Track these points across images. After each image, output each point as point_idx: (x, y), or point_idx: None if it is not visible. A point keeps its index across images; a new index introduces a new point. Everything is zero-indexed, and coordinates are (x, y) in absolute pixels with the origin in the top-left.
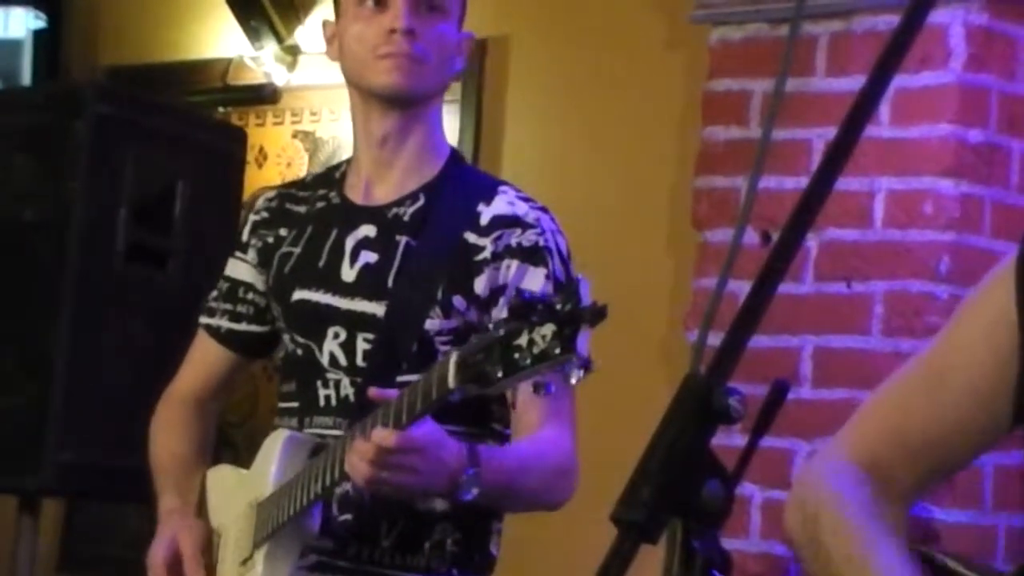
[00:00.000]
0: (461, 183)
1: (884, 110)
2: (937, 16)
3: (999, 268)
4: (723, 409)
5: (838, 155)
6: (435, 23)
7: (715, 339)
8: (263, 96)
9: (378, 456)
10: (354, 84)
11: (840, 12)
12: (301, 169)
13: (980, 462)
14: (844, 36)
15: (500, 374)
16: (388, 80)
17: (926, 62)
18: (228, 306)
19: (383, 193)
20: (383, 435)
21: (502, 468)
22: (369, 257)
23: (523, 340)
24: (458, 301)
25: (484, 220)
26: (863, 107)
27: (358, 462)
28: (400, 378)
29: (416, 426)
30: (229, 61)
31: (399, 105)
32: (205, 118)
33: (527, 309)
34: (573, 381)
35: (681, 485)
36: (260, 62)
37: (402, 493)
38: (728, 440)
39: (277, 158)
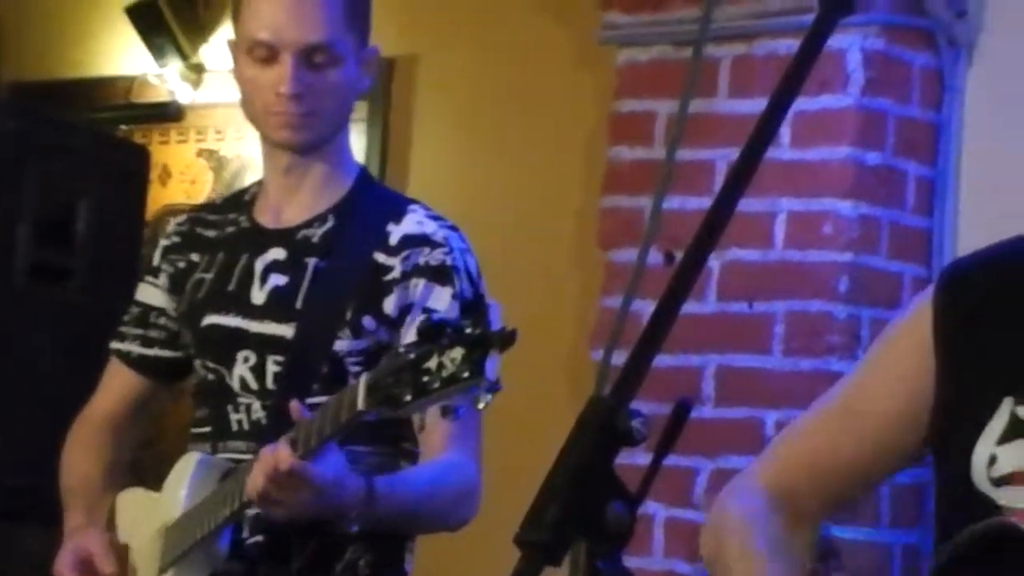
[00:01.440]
0: (370, 203)
1: (785, 132)
2: (835, 41)
3: (917, 299)
4: (626, 431)
5: (740, 178)
6: (326, 76)
7: (621, 359)
8: (167, 114)
9: (274, 475)
10: (251, 122)
11: (742, 35)
12: (205, 187)
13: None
14: (746, 59)
15: (409, 397)
16: (280, 136)
17: (825, 86)
18: (139, 331)
19: (292, 215)
20: (283, 456)
21: (401, 499)
22: (279, 280)
23: (433, 363)
24: (368, 321)
25: (393, 240)
26: (764, 131)
27: (257, 475)
28: (311, 400)
29: (321, 460)
30: (133, 79)
31: (297, 152)
32: (108, 135)
33: (437, 332)
34: (481, 405)
35: (584, 507)
36: (164, 80)
37: (290, 516)
38: (632, 459)
39: (181, 176)
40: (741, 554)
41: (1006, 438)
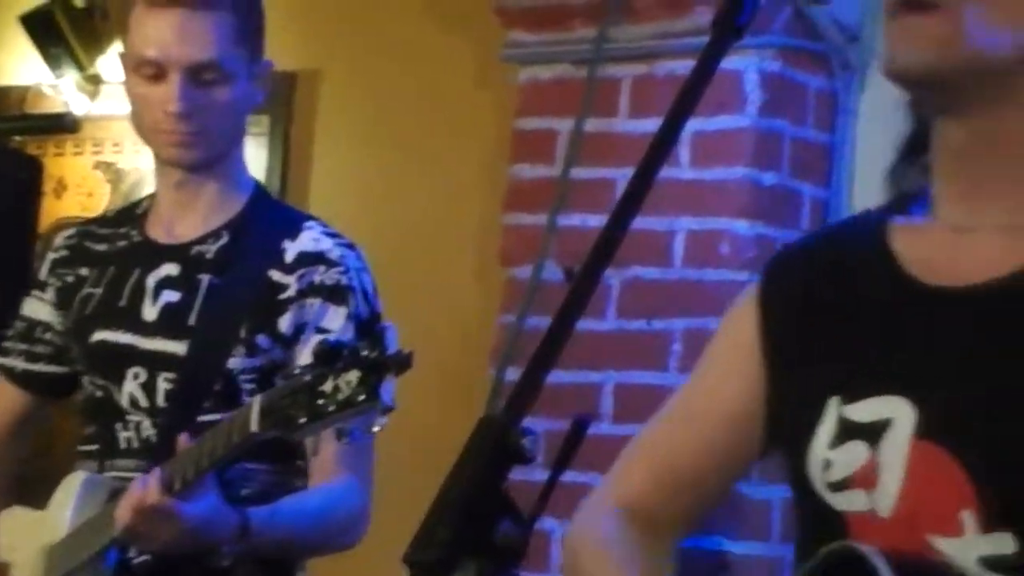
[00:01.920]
0: (266, 219)
1: (684, 152)
2: (733, 63)
3: (741, 299)
4: (517, 449)
5: (633, 196)
6: (215, 94)
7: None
8: (63, 125)
9: (141, 510)
10: (141, 138)
11: (643, 56)
12: (103, 200)
13: (768, 495)
14: (646, 79)
15: (304, 420)
16: (169, 154)
17: (723, 107)
18: (24, 346)
19: (185, 230)
20: (152, 492)
21: (282, 530)
22: (171, 296)
23: (328, 386)
24: (262, 339)
25: (289, 257)
26: (657, 150)
27: (124, 509)
28: (202, 418)
29: (195, 496)
30: (27, 89)
31: (187, 170)
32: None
33: (333, 355)
34: (376, 429)
35: (475, 526)
36: (60, 91)
37: (157, 550)
38: (530, 475)
39: (77, 189)
40: (598, 568)
41: (836, 441)
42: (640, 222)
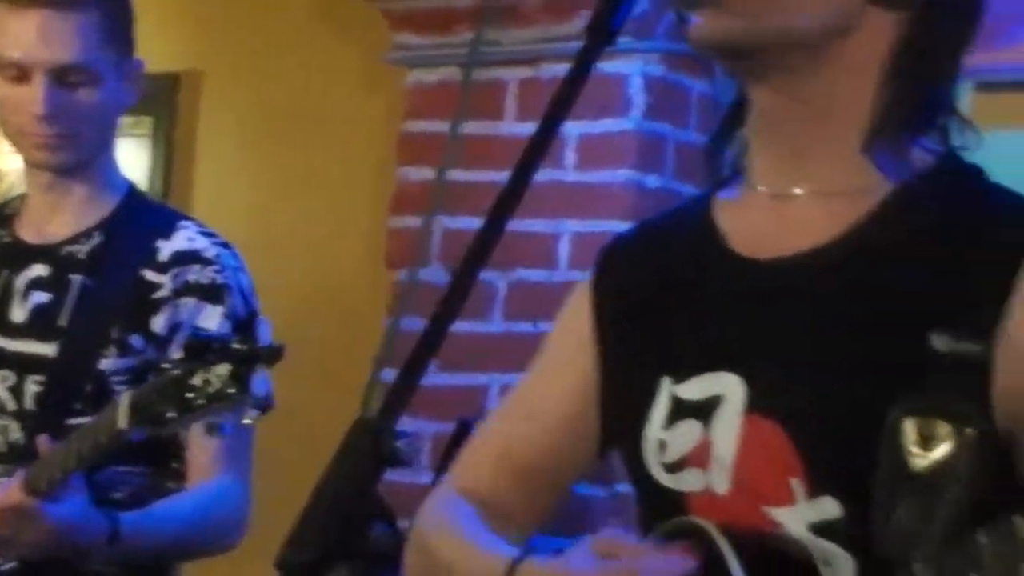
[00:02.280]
0: (140, 219)
1: (569, 156)
2: (618, 67)
3: (575, 293)
4: (391, 452)
5: (509, 199)
6: (82, 96)
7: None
8: None
9: (3, 514)
10: (8, 140)
11: (529, 59)
12: None
13: (595, 493)
14: (532, 82)
15: (173, 414)
16: (35, 157)
17: (607, 110)
18: None
19: (56, 231)
20: (14, 495)
21: (154, 535)
22: (41, 297)
23: (198, 380)
24: (136, 340)
25: (163, 256)
26: (533, 153)
27: None
28: (73, 420)
29: (61, 499)
30: None
31: (55, 172)
32: None
33: (203, 348)
34: (246, 422)
35: (347, 529)
36: None
37: (22, 554)
38: (416, 478)
39: None
40: (458, 544)
41: (670, 421)
42: (526, 225)
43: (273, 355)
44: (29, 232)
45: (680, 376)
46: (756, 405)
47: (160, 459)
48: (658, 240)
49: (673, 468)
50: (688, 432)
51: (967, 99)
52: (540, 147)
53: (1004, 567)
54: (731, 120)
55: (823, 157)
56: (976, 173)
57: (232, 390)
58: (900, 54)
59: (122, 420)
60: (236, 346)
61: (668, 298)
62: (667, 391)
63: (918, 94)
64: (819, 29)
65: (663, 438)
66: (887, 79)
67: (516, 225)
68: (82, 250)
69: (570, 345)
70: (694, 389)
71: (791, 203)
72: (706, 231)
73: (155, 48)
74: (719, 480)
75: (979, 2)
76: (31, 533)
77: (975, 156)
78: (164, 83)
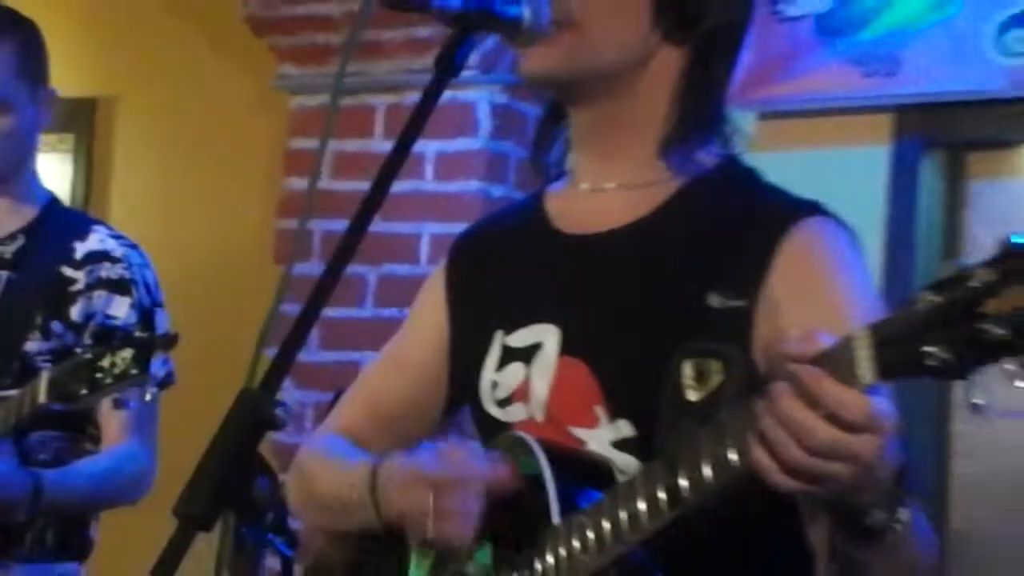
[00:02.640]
0: (58, 224)
1: (428, 169)
2: (468, 96)
3: (434, 272)
4: (270, 418)
5: (371, 203)
6: (5, 119)
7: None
8: None
9: None
10: None
11: (392, 87)
12: None
13: None
14: (397, 107)
15: (85, 391)
16: None
17: (460, 132)
18: None
19: None
20: None
21: (72, 490)
22: None
23: (106, 362)
24: (56, 326)
25: (78, 255)
26: (391, 166)
27: None
28: (2, 393)
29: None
30: None
31: None
32: None
33: (110, 335)
34: (148, 398)
35: (233, 483)
36: None
37: None
38: (300, 438)
39: None
40: (324, 467)
41: (501, 365)
42: (393, 227)
43: (168, 342)
44: None
45: (509, 328)
46: (567, 349)
47: (78, 426)
48: (498, 226)
49: (503, 403)
50: (514, 373)
51: (752, 126)
52: (395, 162)
53: (739, 431)
54: (543, 130)
55: (627, 159)
56: (749, 172)
57: (134, 371)
58: (684, 80)
59: (42, 395)
60: (137, 334)
61: (503, 268)
62: (499, 342)
63: (698, 111)
64: (622, 63)
65: (495, 379)
66: (674, 99)
67: (385, 227)
68: (7, 250)
69: (428, 311)
70: (520, 338)
71: (603, 194)
72: (537, 215)
73: (75, 75)
74: (537, 411)
75: (741, 41)
76: None
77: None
78: (84, 106)
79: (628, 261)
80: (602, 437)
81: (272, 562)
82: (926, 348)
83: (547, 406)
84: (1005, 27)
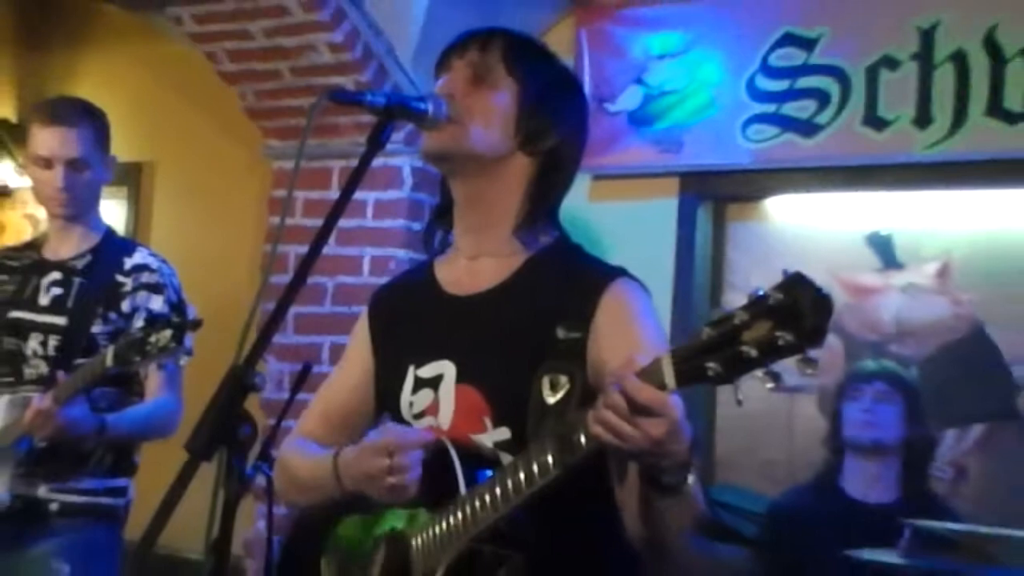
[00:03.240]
0: (113, 246)
1: (369, 211)
2: (397, 161)
3: (360, 318)
4: (251, 384)
5: (323, 234)
6: (81, 176)
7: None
8: (3, 192)
9: (36, 413)
10: (38, 202)
11: (344, 155)
12: (27, 236)
13: None
14: (347, 168)
15: (138, 359)
16: (55, 212)
17: (390, 185)
18: None
19: (64, 252)
20: (44, 402)
21: (126, 428)
22: (56, 290)
23: (153, 339)
24: (112, 316)
25: (127, 267)
26: (338, 207)
27: (28, 413)
28: (77, 361)
29: (70, 406)
30: None
31: (64, 220)
32: None
33: (156, 321)
34: (182, 363)
35: (225, 427)
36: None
37: (52, 438)
38: (280, 395)
39: (13, 230)
40: (300, 461)
41: (414, 390)
42: (345, 251)
43: (196, 325)
44: (48, 253)
45: (418, 364)
46: (462, 378)
47: (127, 384)
48: (402, 287)
49: (418, 417)
50: (426, 396)
51: (587, 185)
52: (339, 207)
53: (581, 423)
54: (430, 227)
55: (492, 235)
56: (576, 247)
57: (173, 345)
58: (533, 181)
59: (109, 362)
60: (175, 320)
61: (408, 318)
62: (412, 373)
63: (540, 207)
64: (488, 153)
65: (412, 400)
66: (526, 195)
67: (338, 251)
68: (80, 264)
69: (357, 349)
70: (427, 371)
71: (477, 262)
72: (430, 279)
73: (127, 146)
74: (444, 421)
75: (578, 156)
76: (55, 426)
77: (588, 222)
78: (134, 168)
79: (498, 312)
80: (488, 440)
81: (260, 480)
82: (707, 364)
83: (451, 419)
84: (747, 124)
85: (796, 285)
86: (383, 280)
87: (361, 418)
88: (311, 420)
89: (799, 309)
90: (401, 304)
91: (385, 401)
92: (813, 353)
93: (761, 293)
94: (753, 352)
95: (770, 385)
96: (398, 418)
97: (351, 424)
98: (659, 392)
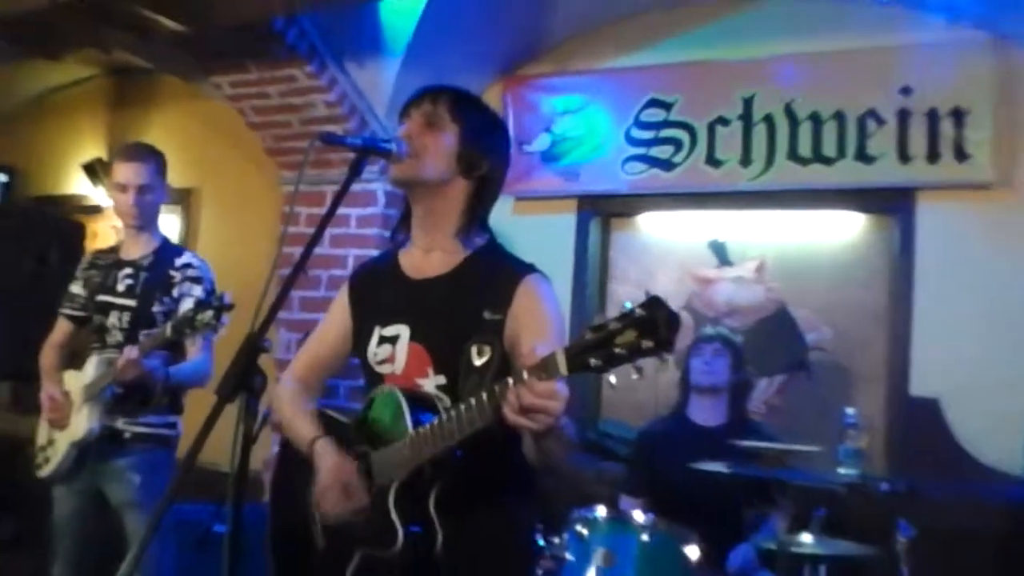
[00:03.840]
0: (168, 250)
1: (352, 222)
2: (373, 186)
3: (342, 288)
4: (261, 347)
5: (313, 240)
6: (147, 198)
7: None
8: (97, 209)
9: (126, 361)
10: (118, 217)
11: (335, 182)
12: (112, 242)
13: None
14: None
15: (189, 331)
16: (129, 224)
17: (368, 204)
18: (69, 304)
19: (134, 254)
20: (132, 354)
21: (180, 377)
22: (128, 281)
23: (201, 317)
24: (167, 300)
25: (177, 264)
26: (324, 222)
27: (120, 361)
28: (143, 332)
29: (148, 358)
30: (84, 196)
31: (136, 230)
32: (67, 219)
33: (202, 304)
34: (216, 336)
35: (244, 377)
36: (95, 196)
37: (133, 380)
38: (287, 356)
39: (101, 238)
40: (292, 411)
41: (379, 344)
42: (334, 251)
43: (229, 308)
44: (123, 254)
45: (383, 325)
46: (414, 338)
47: (175, 348)
48: (373, 268)
49: (380, 364)
50: (386, 349)
51: (511, 204)
52: (326, 220)
53: (496, 388)
54: (397, 227)
55: (440, 237)
56: (501, 247)
57: (214, 322)
58: (470, 198)
59: (168, 332)
60: (216, 303)
61: (377, 292)
62: (377, 332)
63: (475, 218)
64: (437, 180)
65: (376, 351)
66: (464, 208)
67: (331, 251)
68: (146, 261)
69: (338, 310)
70: (388, 331)
71: (430, 255)
72: (395, 265)
73: (179, 175)
74: (398, 368)
75: (501, 182)
76: (137, 372)
77: (512, 232)
78: (184, 192)
79: (443, 293)
80: (431, 384)
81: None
82: (591, 360)
83: (403, 368)
84: (625, 161)
85: (655, 305)
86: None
87: (337, 361)
88: (300, 363)
89: (656, 323)
90: (373, 281)
91: (357, 351)
92: (665, 355)
93: (629, 308)
94: (624, 352)
95: (635, 376)
96: (365, 364)
97: (328, 366)
98: (551, 385)
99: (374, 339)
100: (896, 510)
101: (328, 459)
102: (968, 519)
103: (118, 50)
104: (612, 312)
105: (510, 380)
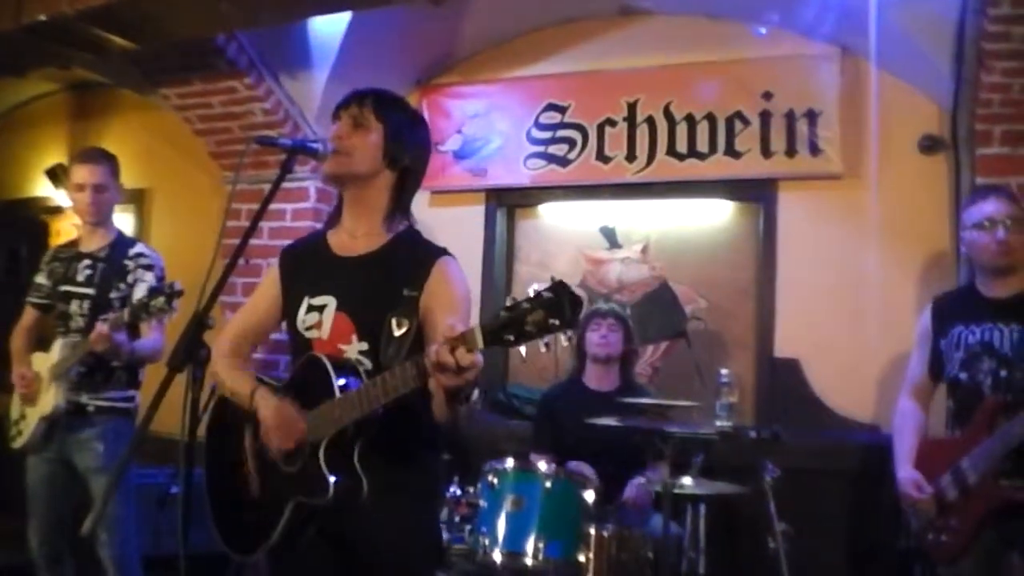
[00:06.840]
0: (124, 242)
1: (288, 216)
2: (305, 183)
3: (273, 264)
4: (207, 324)
5: (248, 233)
6: (102, 197)
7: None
8: (59, 209)
9: (97, 335)
10: (76, 215)
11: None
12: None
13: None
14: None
15: (145, 315)
16: (86, 220)
17: (301, 199)
18: (35, 293)
19: (91, 247)
20: (103, 329)
21: (137, 352)
22: (87, 272)
23: (154, 303)
24: (122, 286)
25: (131, 254)
26: (257, 217)
27: (95, 334)
28: (102, 317)
29: (117, 333)
30: (46, 198)
31: (93, 226)
32: (32, 217)
33: (155, 291)
34: (167, 319)
35: (191, 350)
36: (56, 197)
37: (99, 352)
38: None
39: (64, 234)
40: (229, 374)
41: (307, 312)
42: (273, 242)
43: (179, 294)
44: (82, 247)
45: (311, 295)
46: (340, 307)
47: (133, 329)
48: (303, 246)
49: (308, 330)
50: (313, 317)
51: (428, 197)
52: (260, 213)
53: (415, 359)
54: (332, 214)
55: (367, 222)
56: (418, 233)
57: (166, 307)
58: (394, 187)
59: (126, 317)
60: (167, 290)
61: (307, 266)
62: (306, 301)
63: (398, 206)
64: (364, 173)
65: (304, 319)
66: (389, 197)
67: (270, 242)
68: (101, 253)
69: (269, 283)
70: (317, 300)
71: (357, 237)
72: (324, 244)
73: (131, 176)
74: (324, 334)
75: (421, 174)
76: (107, 344)
77: (430, 221)
78: (137, 192)
79: (367, 270)
80: (354, 350)
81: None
82: (504, 335)
83: (328, 334)
84: (527, 158)
85: (560, 289)
86: None
87: (265, 329)
88: (228, 335)
89: (562, 305)
90: (303, 257)
91: (287, 318)
92: (569, 332)
93: (538, 290)
94: (534, 330)
95: (543, 349)
96: (293, 330)
97: (258, 333)
98: (471, 355)
99: (303, 307)
100: (763, 454)
101: (270, 402)
102: (824, 460)
103: (77, 67)
104: (517, 289)
105: (432, 350)
